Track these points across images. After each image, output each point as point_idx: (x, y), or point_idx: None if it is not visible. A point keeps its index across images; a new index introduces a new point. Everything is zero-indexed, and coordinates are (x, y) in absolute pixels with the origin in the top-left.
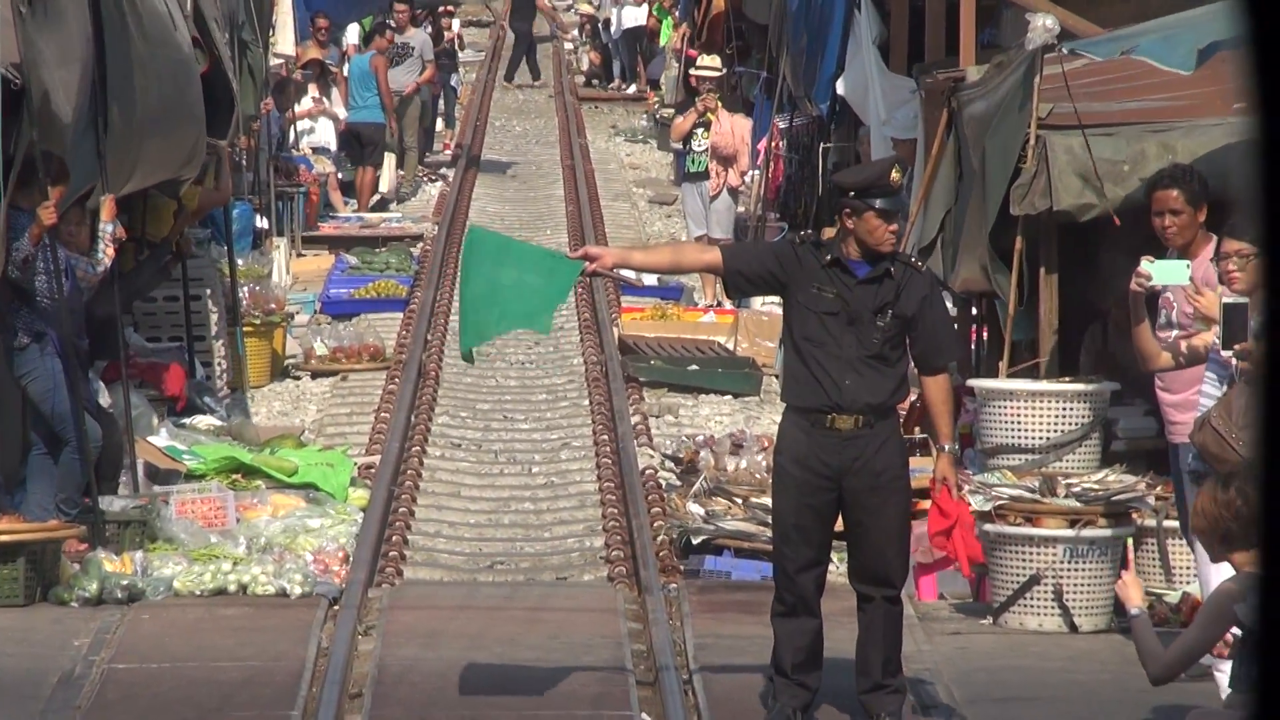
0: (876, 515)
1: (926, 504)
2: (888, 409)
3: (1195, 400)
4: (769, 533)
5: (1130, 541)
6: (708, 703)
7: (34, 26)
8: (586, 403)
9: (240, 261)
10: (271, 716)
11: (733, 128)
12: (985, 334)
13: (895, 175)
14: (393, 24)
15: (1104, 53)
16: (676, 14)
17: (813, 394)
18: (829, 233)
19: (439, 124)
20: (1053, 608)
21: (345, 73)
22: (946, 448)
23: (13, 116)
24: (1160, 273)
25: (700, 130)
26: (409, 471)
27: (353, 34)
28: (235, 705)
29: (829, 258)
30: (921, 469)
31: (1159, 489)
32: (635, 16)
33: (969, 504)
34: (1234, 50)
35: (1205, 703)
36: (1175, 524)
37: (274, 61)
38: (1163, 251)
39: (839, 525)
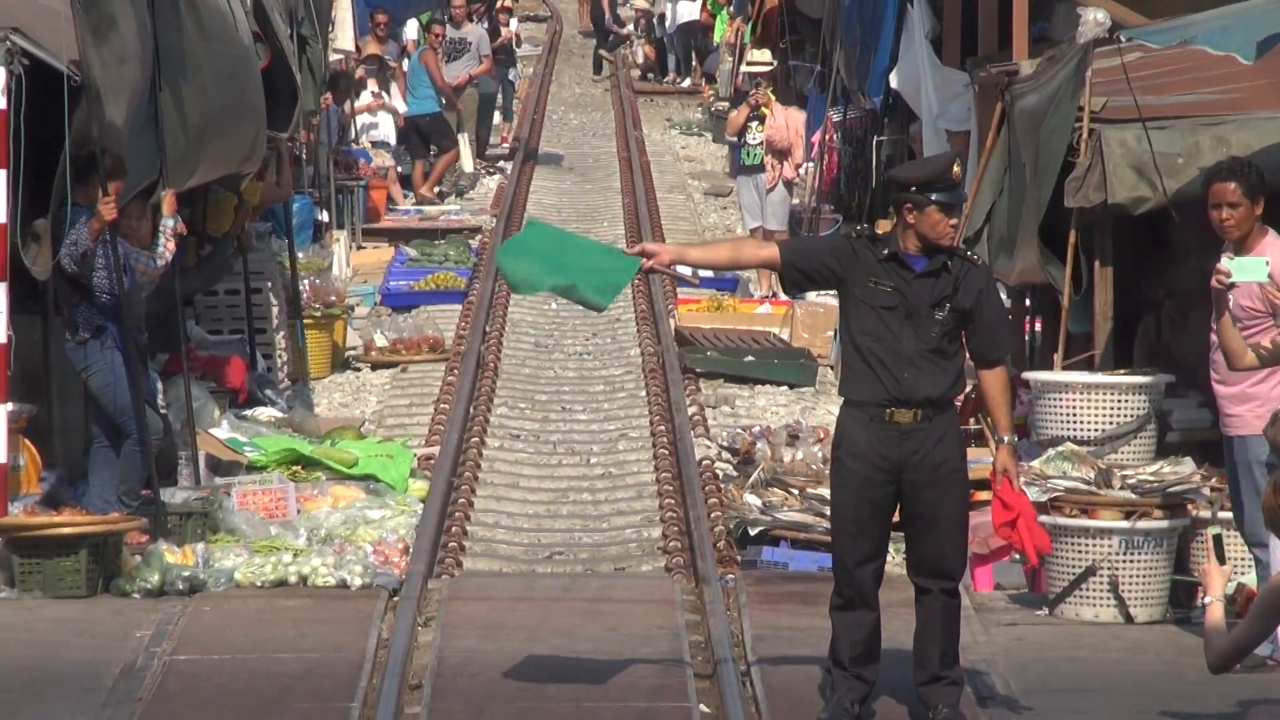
0: (935, 508)
1: (983, 495)
2: (946, 402)
3: (1251, 392)
4: (826, 523)
5: (1217, 533)
6: (765, 694)
7: (89, 24)
8: (644, 394)
9: (301, 255)
10: (332, 708)
11: (787, 121)
12: (1040, 326)
13: (956, 170)
14: (448, 18)
15: (1161, 41)
16: (731, 8)
17: (871, 388)
18: (883, 225)
19: (496, 117)
20: (1108, 599)
21: (404, 68)
22: (1006, 439)
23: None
24: (1240, 269)
25: (755, 123)
26: (468, 463)
27: (411, 29)
28: (296, 697)
29: (886, 252)
30: (977, 460)
31: (1214, 480)
32: (690, 11)
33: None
34: None
35: (1260, 694)
36: (1229, 515)
37: (334, 57)
38: (1218, 243)
39: (896, 517)
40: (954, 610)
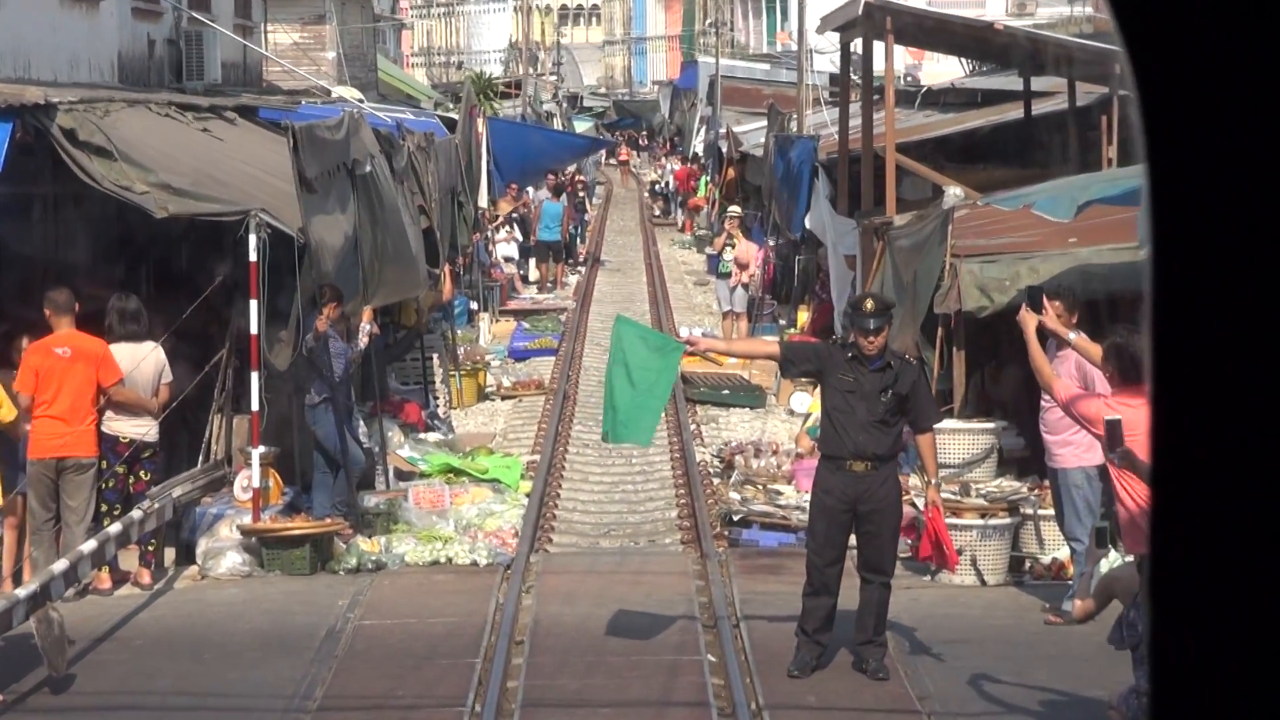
0: (878, 528)
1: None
2: (888, 457)
3: (1070, 440)
4: (783, 511)
5: (1101, 526)
6: (750, 645)
7: (309, 204)
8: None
9: (460, 331)
10: (462, 664)
11: (747, 248)
12: None
13: (867, 305)
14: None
15: (1010, 205)
16: (708, 178)
17: (838, 446)
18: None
19: (576, 241)
20: (970, 570)
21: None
22: (934, 482)
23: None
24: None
25: (729, 247)
26: (556, 467)
27: (531, 192)
28: (439, 654)
29: (850, 355)
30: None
31: (1037, 490)
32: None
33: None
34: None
35: (1078, 639)
36: (1048, 512)
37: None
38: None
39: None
40: (885, 596)
